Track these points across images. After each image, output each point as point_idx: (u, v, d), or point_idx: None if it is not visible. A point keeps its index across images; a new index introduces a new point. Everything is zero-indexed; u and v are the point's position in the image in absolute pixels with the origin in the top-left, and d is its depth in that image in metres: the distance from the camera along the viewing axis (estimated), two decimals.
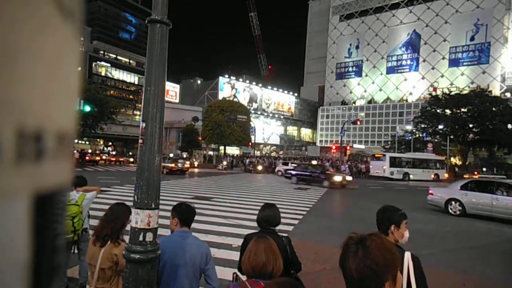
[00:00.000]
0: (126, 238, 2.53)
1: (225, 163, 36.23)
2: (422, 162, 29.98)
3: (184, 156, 40.55)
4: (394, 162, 28.32)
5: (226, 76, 68.80)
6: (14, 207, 0.23)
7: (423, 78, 68.35)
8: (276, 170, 31.54)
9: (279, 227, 2.78)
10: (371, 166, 30.55)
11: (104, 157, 36.48)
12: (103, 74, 77.56)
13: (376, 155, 31.09)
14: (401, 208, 2.23)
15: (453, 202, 11.51)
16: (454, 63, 65.21)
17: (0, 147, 0.21)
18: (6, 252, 0.23)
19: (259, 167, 33.68)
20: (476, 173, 29.59)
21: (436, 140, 41.11)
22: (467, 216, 11.06)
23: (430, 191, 12.54)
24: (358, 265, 1.00)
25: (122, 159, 38.16)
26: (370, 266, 0.98)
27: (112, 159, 37.56)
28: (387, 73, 72.85)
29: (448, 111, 39.91)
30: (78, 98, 0.30)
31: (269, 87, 76.97)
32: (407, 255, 1.93)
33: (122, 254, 2.48)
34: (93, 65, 74.89)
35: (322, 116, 79.20)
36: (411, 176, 28.58)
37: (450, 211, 11.51)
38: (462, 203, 11.24)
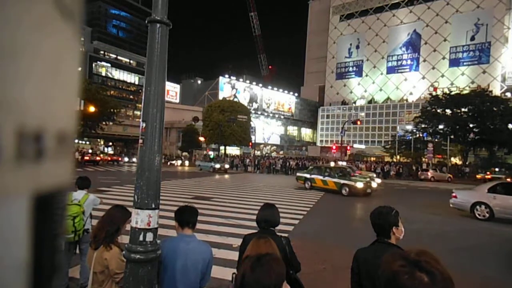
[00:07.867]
0: (126, 239, 2.52)
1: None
2: None
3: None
4: None
5: (226, 76, 68.73)
6: (14, 207, 0.23)
7: (423, 78, 68.28)
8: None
9: (279, 226, 2.78)
10: None
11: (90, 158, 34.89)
12: (103, 74, 77.72)
13: None
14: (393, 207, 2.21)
15: (479, 206, 10.82)
16: (454, 63, 65.15)
17: (0, 147, 0.21)
18: (6, 252, 0.23)
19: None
20: (489, 173, 29.47)
21: (436, 140, 41.06)
22: (495, 221, 10.35)
23: (454, 194, 11.73)
24: None
25: (118, 158, 40.80)
26: None
27: (108, 158, 38.98)
28: (388, 73, 72.79)
29: (448, 111, 39.89)
30: (78, 98, 0.30)
31: (269, 87, 76.89)
32: None
33: (112, 259, 2.44)
34: (93, 65, 75.08)
35: (322, 116, 79.16)
36: None
37: (477, 215, 10.82)
38: (490, 207, 10.56)
